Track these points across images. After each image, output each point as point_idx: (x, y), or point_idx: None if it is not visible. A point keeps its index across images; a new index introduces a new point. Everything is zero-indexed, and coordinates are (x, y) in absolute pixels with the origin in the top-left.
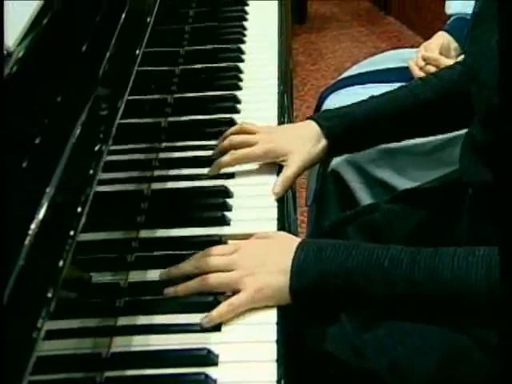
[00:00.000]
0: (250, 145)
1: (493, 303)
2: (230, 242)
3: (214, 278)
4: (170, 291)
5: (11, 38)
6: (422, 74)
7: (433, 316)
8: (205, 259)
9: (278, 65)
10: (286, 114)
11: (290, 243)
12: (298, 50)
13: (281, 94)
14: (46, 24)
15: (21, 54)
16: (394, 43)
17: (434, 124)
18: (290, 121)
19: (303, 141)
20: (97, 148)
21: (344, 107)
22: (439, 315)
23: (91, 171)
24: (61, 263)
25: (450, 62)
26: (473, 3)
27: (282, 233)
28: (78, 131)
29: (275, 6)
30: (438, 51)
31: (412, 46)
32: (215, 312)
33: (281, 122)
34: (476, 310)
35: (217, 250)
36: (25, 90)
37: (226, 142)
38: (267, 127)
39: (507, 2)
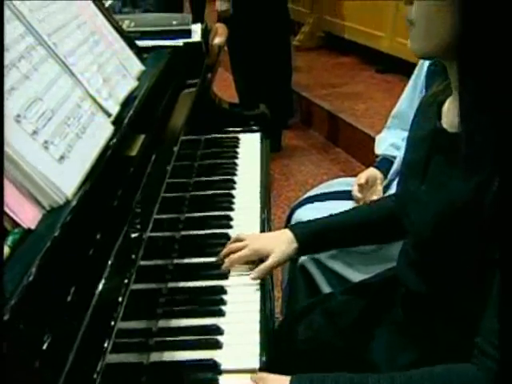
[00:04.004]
0: (242, 248)
1: None
2: None
3: None
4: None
5: (70, 189)
6: (359, 195)
7: None
8: None
9: (260, 185)
10: (265, 222)
11: (284, 379)
12: (274, 170)
13: (262, 208)
14: (96, 177)
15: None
16: (342, 167)
17: (376, 236)
18: (269, 226)
19: (280, 244)
20: (133, 257)
21: (311, 221)
22: None
23: (131, 267)
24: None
25: (373, 189)
26: (392, 149)
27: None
28: (119, 242)
29: (258, 143)
30: (365, 180)
31: (353, 170)
32: None
33: (262, 227)
34: None
35: None
36: (84, 216)
37: (226, 250)
38: (254, 235)
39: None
